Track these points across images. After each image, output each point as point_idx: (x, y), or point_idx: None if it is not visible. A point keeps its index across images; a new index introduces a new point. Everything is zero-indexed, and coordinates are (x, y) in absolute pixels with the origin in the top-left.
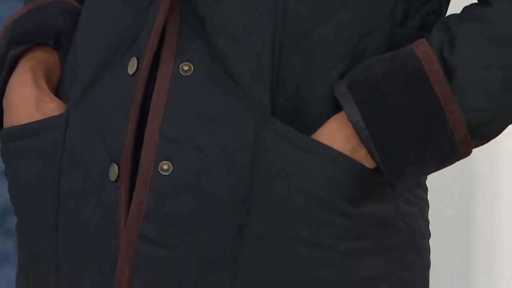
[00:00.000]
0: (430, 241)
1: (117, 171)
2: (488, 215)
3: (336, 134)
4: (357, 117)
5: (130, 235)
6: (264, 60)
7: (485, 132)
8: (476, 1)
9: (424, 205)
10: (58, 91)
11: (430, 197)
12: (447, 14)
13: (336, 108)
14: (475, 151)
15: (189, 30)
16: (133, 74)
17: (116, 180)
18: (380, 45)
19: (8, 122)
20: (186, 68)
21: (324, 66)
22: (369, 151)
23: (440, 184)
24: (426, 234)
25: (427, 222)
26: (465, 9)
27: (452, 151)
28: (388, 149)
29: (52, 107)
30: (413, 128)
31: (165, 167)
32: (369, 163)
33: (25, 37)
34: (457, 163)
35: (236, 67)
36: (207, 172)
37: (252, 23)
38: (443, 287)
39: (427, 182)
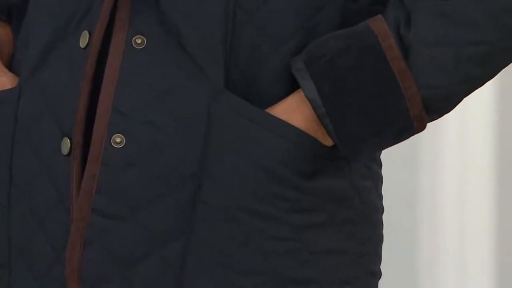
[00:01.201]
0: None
1: (69, 145)
2: (431, 194)
3: (295, 111)
4: (314, 94)
5: (82, 209)
6: (216, 32)
7: (440, 108)
8: None
9: (378, 180)
10: (11, 64)
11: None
12: None
13: (290, 82)
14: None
15: (141, 3)
16: (85, 48)
17: (68, 154)
18: (333, 20)
19: None
20: (139, 41)
21: (277, 40)
22: (326, 128)
23: (384, 158)
24: (379, 209)
25: (380, 196)
26: None
27: (408, 127)
28: (345, 126)
29: (4, 80)
30: (369, 104)
31: (117, 140)
32: (327, 141)
33: None
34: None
35: (189, 40)
36: (160, 146)
37: None
38: (388, 259)
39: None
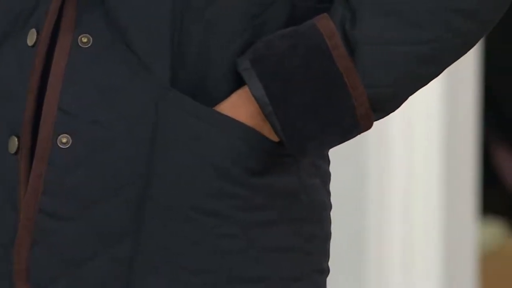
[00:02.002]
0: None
1: (17, 143)
2: (379, 186)
3: (240, 108)
4: (261, 92)
5: (29, 209)
6: (163, 31)
7: (386, 106)
8: None
9: (326, 178)
10: None
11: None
12: None
13: (237, 80)
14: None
15: (88, 1)
16: (33, 46)
17: (16, 153)
18: (280, 18)
19: None
20: (85, 40)
21: (225, 38)
22: (273, 126)
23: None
24: (327, 206)
25: (329, 194)
26: None
27: (354, 125)
28: (291, 125)
29: None
30: (316, 103)
31: (64, 140)
32: (273, 138)
33: None
34: None
35: (136, 38)
36: (106, 145)
37: None
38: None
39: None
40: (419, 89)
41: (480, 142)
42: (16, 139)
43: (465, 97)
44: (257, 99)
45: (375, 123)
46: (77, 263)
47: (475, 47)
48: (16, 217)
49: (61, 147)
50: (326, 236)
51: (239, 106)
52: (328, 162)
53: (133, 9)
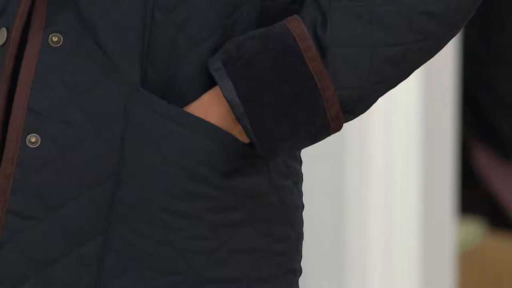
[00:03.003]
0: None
1: None
2: (359, 185)
3: (211, 109)
4: (233, 94)
5: None
6: (133, 31)
7: (356, 108)
8: None
9: (298, 178)
10: None
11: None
12: None
13: (208, 81)
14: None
15: (59, 0)
16: (3, 45)
17: None
18: (251, 18)
19: None
20: (55, 39)
21: (195, 38)
22: (244, 128)
23: (309, 155)
24: (299, 206)
25: (300, 194)
26: None
27: (325, 127)
28: (263, 126)
29: None
30: (287, 105)
31: (33, 140)
32: (243, 139)
33: None
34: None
35: (106, 38)
36: (75, 145)
37: None
38: (315, 258)
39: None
40: (388, 91)
41: (459, 142)
42: None
43: (444, 97)
44: (228, 101)
45: (356, 126)
46: (46, 263)
47: (453, 48)
48: None
49: (30, 147)
50: (297, 237)
51: (210, 107)
52: (300, 162)
53: (103, 9)
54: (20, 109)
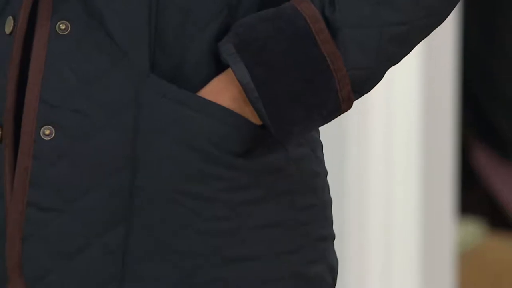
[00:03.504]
0: None
1: (0, 133)
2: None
3: (222, 92)
4: (247, 78)
5: (18, 202)
6: (140, 17)
7: (363, 88)
8: None
9: (316, 145)
10: None
11: None
12: None
13: (216, 63)
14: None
15: None
16: (10, 33)
17: (0, 142)
18: None
19: None
20: (63, 27)
21: (202, 21)
22: (258, 111)
23: None
24: (319, 173)
25: (320, 160)
26: None
27: (336, 108)
28: (277, 110)
29: None
30: (301, 87)
31: (47, 132)
32: (256, 120)
33: None
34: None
35: (113, 25)
36: (89, 135)
37: None
38: None
39: None
40: (391, 67)
41: (459, 142)
42: None
43: (444, 97)
44: (243, 85)
45: (356, 126)
46: (70, 255)
47: (453, 46)
48: (4, 208)
49: (44, 139)
50: (323, 203)
51: (221, 91)
52: (318, 130)
53: None
54: (33, 101)
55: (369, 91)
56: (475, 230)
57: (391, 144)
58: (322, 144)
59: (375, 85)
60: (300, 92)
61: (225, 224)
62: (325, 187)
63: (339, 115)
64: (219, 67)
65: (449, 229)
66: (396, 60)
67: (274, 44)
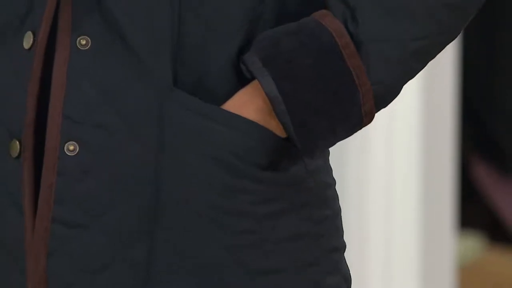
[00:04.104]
0: None
1: (19, 147)
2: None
3: (247, 105)
4: (274, 91)
5: (43, 218)
6: (163, 31)
7: (384, 102)
8: None
9: (327, 155)
10: None
11: None
12: None
13: (238, 76)
14: None
15: (84, 2)
16: (30, 49)
17: (18, 157)
18: (274, 11)
19: None
20: (83, 42)
21: (223, 34)
22: (284, 125)
23: None
24: (331, 184)
25: (331, 171)
26: None
27: (359, 122)
28: (303, 123)
29: None
30: (327, 102)
31: (71, 148)
32: (280, 133)
33: None
34: None
35: (135, 39)
36: (113, 150)
37: None
38: None
39: None
40: (407, 82)
41: (459, 156)
42: (17, 143)
43: (444, 110)
44: (270, 98)
45: (357, 139)
46: (95, 270)
47: (453, 60)
48: (22, 223)
49: (68, 155)
50: (334, 214)
51: (246, 103)
52: None
53: (130, 9)
54: (56, 117)
55: (386, 106)
56: (474, 243)
57: (391, 157)
58: (329, 153)
59: (394, 99)
60: (325, 106)
61: (250, 237)
62: (336, 197)
63: (361, 129)
64: (241, 80)
65: (448, 243)
66: (413, 75)
67: (299, 58)
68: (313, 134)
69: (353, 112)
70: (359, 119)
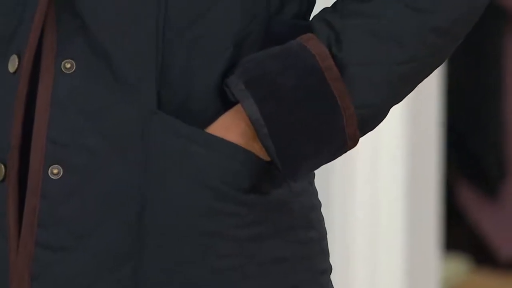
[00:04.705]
0: None
1: (4, 171)
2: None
3: (231, 128)
4: (256, 114)
5: (26, 242)
6: (147, 54)
7: (369, 125)
8: None
9: (312, 178)
10: None
11: None
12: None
13: (222, 99)
14: None
15: (68, 26)
16: (15, 72)
17: (3, 180)
18: (259, 34)
19: None
20: (68, 65)
21: (208, 56)
22: (267, 148)
23: None
24: (316, 206)
25: (316, 192)
26: (341, 3)
27: (343, 146)
28: (286, 146)
29: None
30: (310, 125)
31: (55, 171)
32: (264, 156)
33: None
34: None
35: (120, 62)
36: (98, 173)
37: (133, 16)
38: None
39: None
40: (394, 105)
41: (444, 179)
42: (3, 166)
43: (429, 134)
44: (252, 121)
45: (341, 163)
46: None
47: (438, 84)
48: (7, 245)
49: (52, 179)
50: (320, 236)
51: (230, 127)
52: None
53: (115, 32)
54: (40, 140)
55: (372, 129)
56: (460, 266)
57: (376, 180)
58: (315, 175)
59: (379, 123)
60: (308, 129)
61: (234, 259)
62: (322, 219)
63: (345, 152)
64: (225, 102)
65: (434, 266)
66: (401, 98)
67: (283, 81)
68: (295, 157)
69: (337, 135)
70: (342, 142)
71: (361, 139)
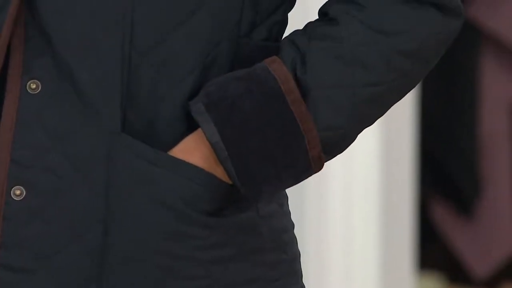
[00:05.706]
0: None
1: None
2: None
3: (194, 151)
4: (216, 137)
5: None
6: (112, 75)
7: (336, 148)
8: (318, 18)
9: (282, 199)
10: None
11: None
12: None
13: (189, 121)
14: None
15: (35, 46)
16: None
17: None
18: (228, 56)
19: None
20: (33, 86)
21: (174, 78)
22: (227, 171)
23: None
24: (288, 228)
25: (287, 214)
26: (310, 26)
27: (307, 168)
28: (247, 170)
29: None
30: (271, 148)
31: (17, 192)
32: (227, 180)
33: None
34: None
35: (85, 83)
36: (61, 194)
37: (98, 38)
38: None
39: None
40: (364, 128)
41: (418, 197)
42: None
43: (403, 153)
44: (212, 145)
45: (315, 181)
46: None
47: (411, 104)
48: None
49: (15, 200)
50: (291, 258)
51: (193, 150)
52: None
53: (81, 53)
54: (3, 160)
55: (341, 153)
56: (434, 284)
57: (350, 199)
58: (287, 197)
59: (347, 146)
60: (270, 151)
61: (200, 281)
62: (294, 241)
63: (310, 175)
64: (192, 124)
65: (408, 283)
66: (370, 120)
67: (244, 104)
68: (257, 180)
69: (300, 158)
70: (306, 165)
71: (334, 159)
